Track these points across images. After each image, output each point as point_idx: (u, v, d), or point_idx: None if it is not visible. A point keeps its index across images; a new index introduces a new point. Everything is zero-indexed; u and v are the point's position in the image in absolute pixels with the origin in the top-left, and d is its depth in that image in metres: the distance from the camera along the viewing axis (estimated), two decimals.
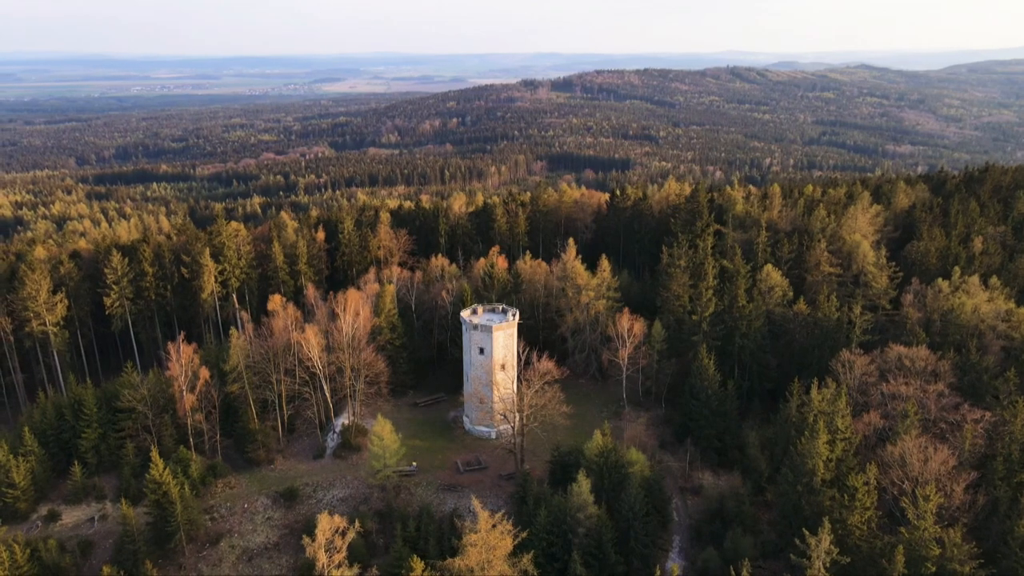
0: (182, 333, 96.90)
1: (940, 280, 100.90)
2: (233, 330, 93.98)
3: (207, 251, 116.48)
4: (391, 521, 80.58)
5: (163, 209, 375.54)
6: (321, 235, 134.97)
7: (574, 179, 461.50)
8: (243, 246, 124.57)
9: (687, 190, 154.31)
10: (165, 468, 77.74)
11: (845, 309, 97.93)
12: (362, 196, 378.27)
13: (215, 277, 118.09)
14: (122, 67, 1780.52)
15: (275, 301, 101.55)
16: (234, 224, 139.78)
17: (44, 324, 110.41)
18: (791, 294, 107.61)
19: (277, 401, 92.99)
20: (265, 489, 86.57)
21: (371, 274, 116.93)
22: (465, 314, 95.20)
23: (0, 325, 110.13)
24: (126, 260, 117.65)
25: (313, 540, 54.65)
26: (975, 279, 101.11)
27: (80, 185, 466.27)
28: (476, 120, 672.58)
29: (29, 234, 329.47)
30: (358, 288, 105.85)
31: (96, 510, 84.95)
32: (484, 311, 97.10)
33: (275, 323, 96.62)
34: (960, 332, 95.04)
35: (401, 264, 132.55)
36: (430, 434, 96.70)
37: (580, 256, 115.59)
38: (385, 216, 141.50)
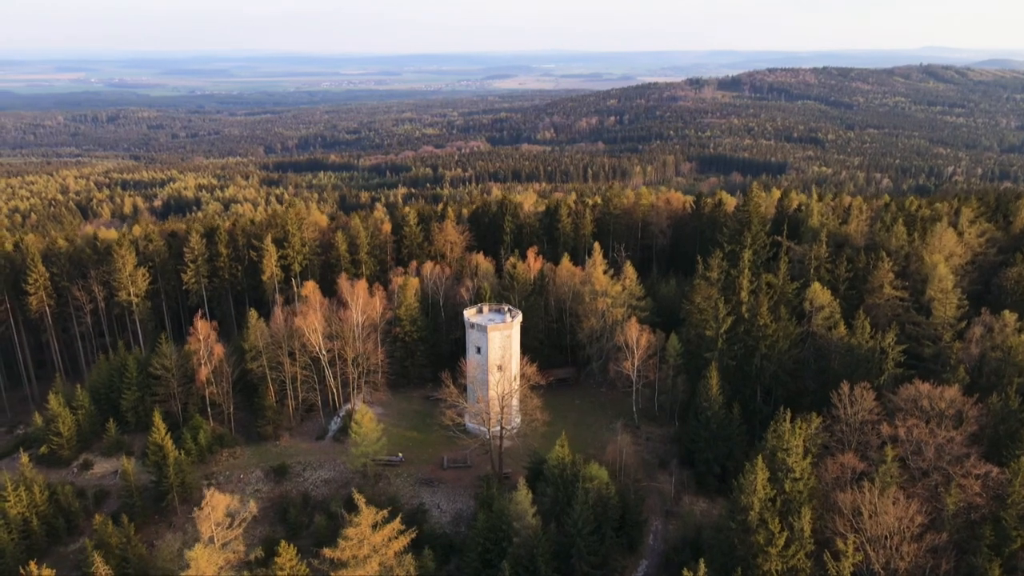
0: (199, 311, 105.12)
1: (1007, 313, 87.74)
2: (252, 311, 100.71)
3: (269, 236, 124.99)
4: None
5: (316, 196, 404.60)
6: (387, 227, 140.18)
7: (720, 182, 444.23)
8: (308, 234, 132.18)
9: (772, 198, 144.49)
10: (166, 433, 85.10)
11: (879, 337, 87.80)
12: (496, 191, 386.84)
13: (276, 261, 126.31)
14: (317, 64, 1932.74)
15: (308, 287, 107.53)
16: (316, 211, 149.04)
17: (129, 295, 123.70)
18: (838, 316, 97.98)
19: (289, 382, 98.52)
20: (263, 463, 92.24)
21: (412, 266, 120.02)
22: (469, 312, 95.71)
23: (95, 293, 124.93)
24: (204, 241, 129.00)
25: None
26: None
27: (259, 172, 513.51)
28: (634, 118, 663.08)
29: (200, 213, 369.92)
30: (385, 281, 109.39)
31: (121, 464, 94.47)
32: (490, 310, 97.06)
33: (304, 308, 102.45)
34: (1017, 374, 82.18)
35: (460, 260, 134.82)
36: (429, 427, 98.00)
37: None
38: (451, 212, 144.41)
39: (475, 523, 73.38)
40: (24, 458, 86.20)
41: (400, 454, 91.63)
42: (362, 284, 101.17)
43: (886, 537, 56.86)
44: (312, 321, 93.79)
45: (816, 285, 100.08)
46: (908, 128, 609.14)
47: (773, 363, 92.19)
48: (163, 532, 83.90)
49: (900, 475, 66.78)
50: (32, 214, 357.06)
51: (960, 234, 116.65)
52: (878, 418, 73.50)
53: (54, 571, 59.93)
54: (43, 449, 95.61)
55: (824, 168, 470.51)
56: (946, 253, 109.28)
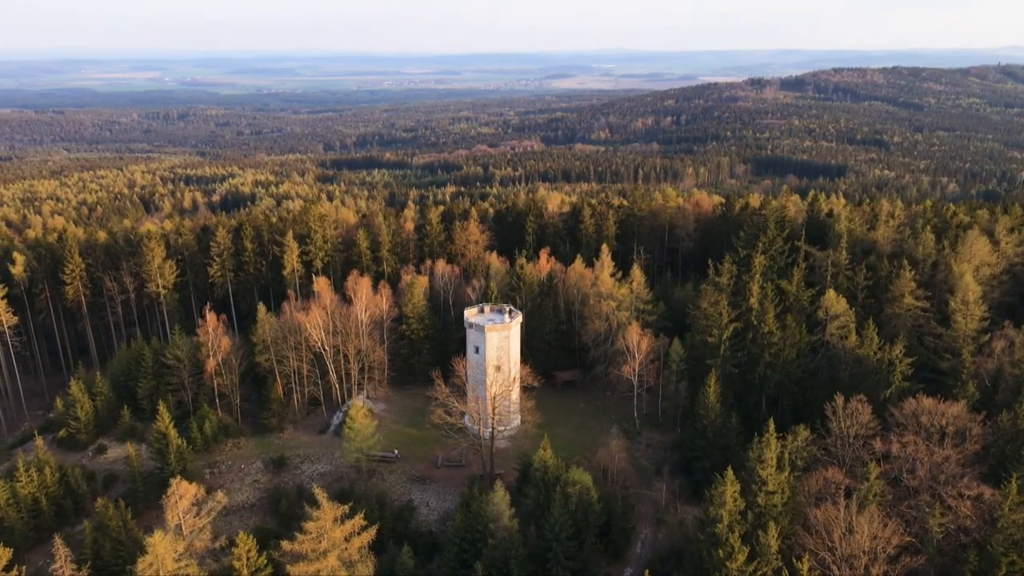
0: (207, 305, 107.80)
1: None
2: (261, 305, 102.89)
3: (290, 233, 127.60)
4: (352, 502, 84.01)
5: (367, 193, 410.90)
6: (410, 226, 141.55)
7: (775, 185, 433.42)
8: (331, 231, 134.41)
9: (807, 202, 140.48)
10: (170, 422, 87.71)
11: (887, 348, 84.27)
12: (542, 191, 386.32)
13: (298, 257, 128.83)
14: (380, 63, 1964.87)
15: (320, 283, 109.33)
16: (345, 209, 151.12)
17: (158, 286, 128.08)
18: (852, 325, 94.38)
19: (295, 376, 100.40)
20: (264, 454, 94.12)
21: (427, 265, 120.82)
22: (469, 312, 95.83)
23: (126, 284, 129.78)
24: (230, 236, 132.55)
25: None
26: None
27: (315, 168, 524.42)
28: (691, 119, 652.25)
29: (252, 208, 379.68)
30: (390, 280, 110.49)
31: (132, 450, 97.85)
32: (491, 311, 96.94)
33: (309, 303, 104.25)
34: None
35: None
36: (429, 425, 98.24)
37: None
38: (475, 211, 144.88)
39: (453, 522, 73.41)
40: (39, 440, 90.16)
41: (396, 451, 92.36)
42: (366, 281, 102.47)
43: (856, 557, 54.45)
44: (314, 316, 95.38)
45: (831, 293, 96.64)
46: (982, 131, 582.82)
47: (778, 372, 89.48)
48: (163, 518, 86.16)
49: (889, 493, 64.07)
50: (98, 207, 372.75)
51: (996, 243, 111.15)
52: (872, 433, 70.54)
53: (11, 550, 62.22)
54: (62, 433, 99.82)
55: (887, 171, 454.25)
56: (977, 262, 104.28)
